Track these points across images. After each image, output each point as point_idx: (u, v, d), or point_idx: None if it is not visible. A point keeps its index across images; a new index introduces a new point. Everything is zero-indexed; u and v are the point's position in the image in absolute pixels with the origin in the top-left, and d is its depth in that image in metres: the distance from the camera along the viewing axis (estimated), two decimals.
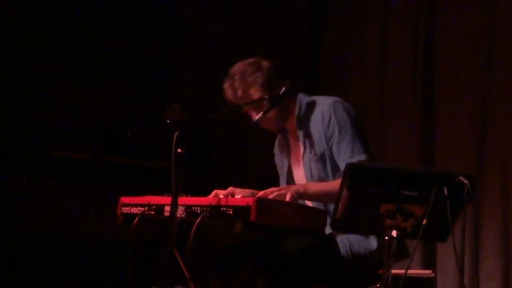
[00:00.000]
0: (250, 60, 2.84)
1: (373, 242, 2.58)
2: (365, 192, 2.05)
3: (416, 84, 4.31)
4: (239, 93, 2.76)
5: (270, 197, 2.45)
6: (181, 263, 2.48)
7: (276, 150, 3.01)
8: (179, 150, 2.31)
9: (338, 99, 2.75)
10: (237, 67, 2.82)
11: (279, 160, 2.99)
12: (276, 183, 2.86)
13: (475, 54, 4.04)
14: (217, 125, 2.59)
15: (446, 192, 1.97)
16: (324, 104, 2.73)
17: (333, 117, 2.65)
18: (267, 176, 3.08)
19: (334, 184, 2.52)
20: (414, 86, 4.32)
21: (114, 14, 5.31)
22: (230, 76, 2.81)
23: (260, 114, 2.67)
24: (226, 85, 2.81)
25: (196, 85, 5.13)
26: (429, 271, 2.88)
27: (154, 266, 2.49)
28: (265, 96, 2.70)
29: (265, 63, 2.81)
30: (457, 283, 3.58)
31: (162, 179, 2.60)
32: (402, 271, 2.11)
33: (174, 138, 2.31)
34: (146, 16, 5.38)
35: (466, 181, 1.97)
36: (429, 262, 3.79)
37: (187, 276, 2.48)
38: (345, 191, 2.06)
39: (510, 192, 3.64)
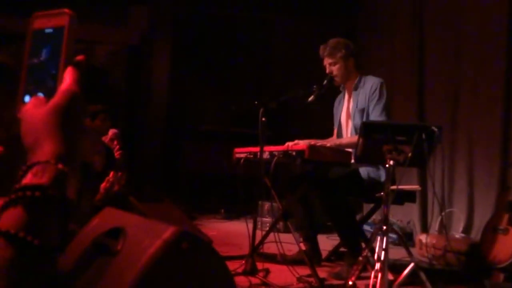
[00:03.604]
0: (347, 40, 2.77)
1: (382, 174, 2.51)
2: (373, 138, 2.02)
3: (414, 72, 4.08)
4: (327, 50, 2.70)
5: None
6: (268, 183, 2.54)
7: (336, 103, 2.93)
8: (263, 119, 2.35)
9: (383, 80, 2.69)
10: (336, 38, 2.75)
11: (336, 110, 2.91)
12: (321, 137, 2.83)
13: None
14: (288, 104, 2.56)
15: (423, 137, 1.93)
16: (374, 80, 2.68)
17: (378, 89, 2.63)
18: (317, 134, 3.02)
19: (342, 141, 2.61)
20: (412, 74, 4.10)
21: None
22: (328, 41, 2.74)
23: (312, 97, 2.62)
24: (323, 45, 2.73)
25: (275, 81, 5.12)
26: (417, 186, 2.80)
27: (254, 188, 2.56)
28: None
29: (353, 47, 2.75)
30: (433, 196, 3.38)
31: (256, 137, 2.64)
32: (399, 186, 2.13)
33: (260, 112, 2.36)
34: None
35: (436, 130, 1.93)
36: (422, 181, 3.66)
37: (271, 189, 2.53)
38: (361, 138, 2.06)
39: (474, 140, 3.46)
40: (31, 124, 0.52)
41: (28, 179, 0.48)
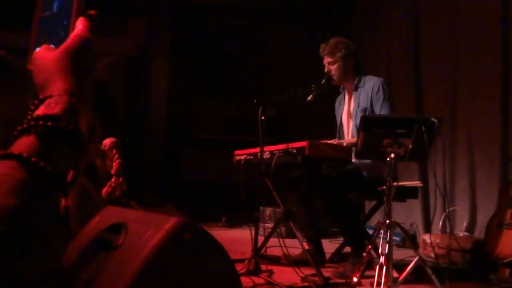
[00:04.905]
0: (348, 40, 2.74)
1: (383, 170, 2.50)
2: (374, 132, 2.01)
3: (411, 72, 4.06)
4: (327, 49, 2.67)
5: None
6: (269, 183, 2.49)
7: (336, 104, 2.91)
8: (262, 118, 2.34)
9: (383, 79, 2.67)
10: (338, 38, 2.73)
11: (336, 111, 2.91)
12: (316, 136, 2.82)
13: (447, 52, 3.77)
14: (287, 104, 2.54)
15: (423, 129, 1.92)
16: (376, 80, 2.66)
17: (381, 88, 2.60)
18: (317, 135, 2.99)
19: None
20: (409, 74, 4.08)
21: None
22: (330, 40, 2.71)
23: (310, 97, 2.59)
24: (324, 44, 2.71)
25: (273, 89, 5.12)
26: (418, 182, 2.77)
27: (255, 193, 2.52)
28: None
29: (354, 48, 2.71)
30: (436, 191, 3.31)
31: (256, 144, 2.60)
32: (400, 183, 2.11)
33: (260, 110, 2.34)
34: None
35: (436, 121, 1.92)
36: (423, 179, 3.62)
37: (272, 189, 2.50)
38: (361, 133, 2.05)
39: (474, 137, 3.43)
40: (43, 65, 0.54)
41: (40, 110, 0.50)
